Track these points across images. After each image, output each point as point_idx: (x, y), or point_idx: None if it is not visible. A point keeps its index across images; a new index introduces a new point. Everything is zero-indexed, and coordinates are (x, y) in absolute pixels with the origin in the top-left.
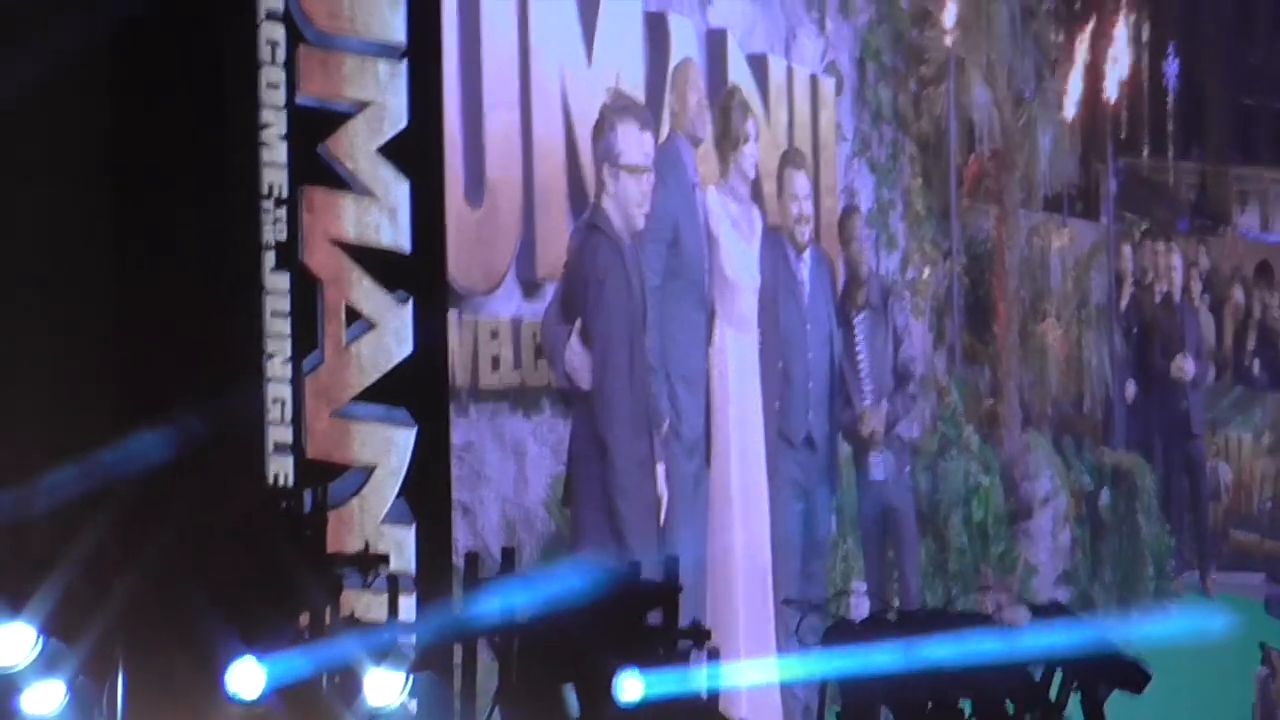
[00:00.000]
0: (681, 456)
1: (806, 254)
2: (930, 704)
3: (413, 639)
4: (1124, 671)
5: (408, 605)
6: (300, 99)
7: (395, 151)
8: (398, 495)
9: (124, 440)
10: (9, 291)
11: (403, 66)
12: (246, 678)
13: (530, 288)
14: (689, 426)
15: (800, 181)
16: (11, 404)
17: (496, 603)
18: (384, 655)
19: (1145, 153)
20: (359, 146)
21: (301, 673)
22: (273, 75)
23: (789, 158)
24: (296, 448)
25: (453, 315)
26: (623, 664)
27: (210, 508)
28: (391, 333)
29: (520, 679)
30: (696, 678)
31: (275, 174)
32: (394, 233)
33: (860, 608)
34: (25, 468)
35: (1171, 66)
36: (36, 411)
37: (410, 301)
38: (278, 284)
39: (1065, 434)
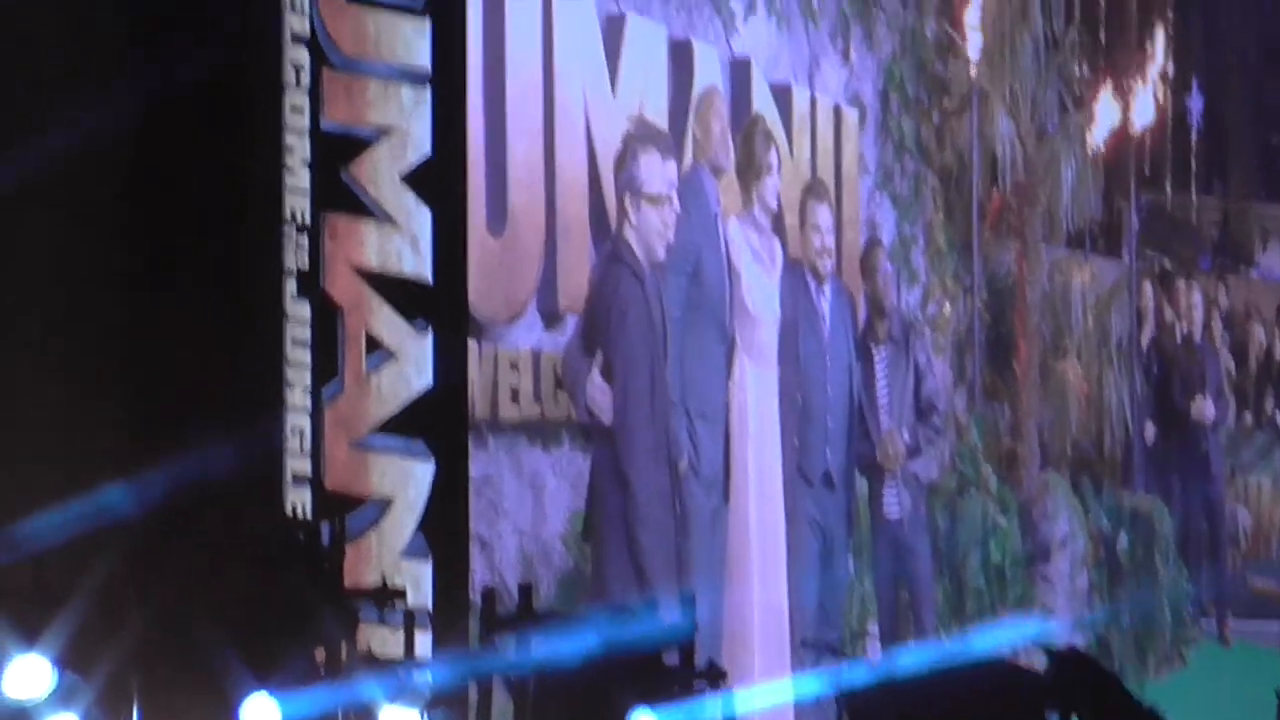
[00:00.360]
0: (700, 492)
1: (827, 286)
2: None
3: (428, 676)
4: (1139, 718)
5: (424, 641)
6: (324, 124)
7: (418, 179)
8: (415, 529)
9: (142, 470)
10: (27, 318)
11: (427, 93)
12: (260, 713)
13: (551, 318)
14: (707, 462)
15: (823, 213)
16: (29, 433)
17: (513, 640)
18: (399, 693)
19: (1168, 189)
20: (382, 173)
21: (316, 709)
22: (297, 100)
23: (811, 189)
24: (315, 479)
25: (472, 346)
26: (639, 704)
27: (227, 539)
28: (411, 363)
29: (536, 719)
30: (711, 711)
31: (298, 200)
32: (415, 261)
33: (876, 650)
34: (42, 498)
35: (1195, 102)
36: (54, 440)
37: (430, 332)
38: (299, 312)
39: (1084, 475)
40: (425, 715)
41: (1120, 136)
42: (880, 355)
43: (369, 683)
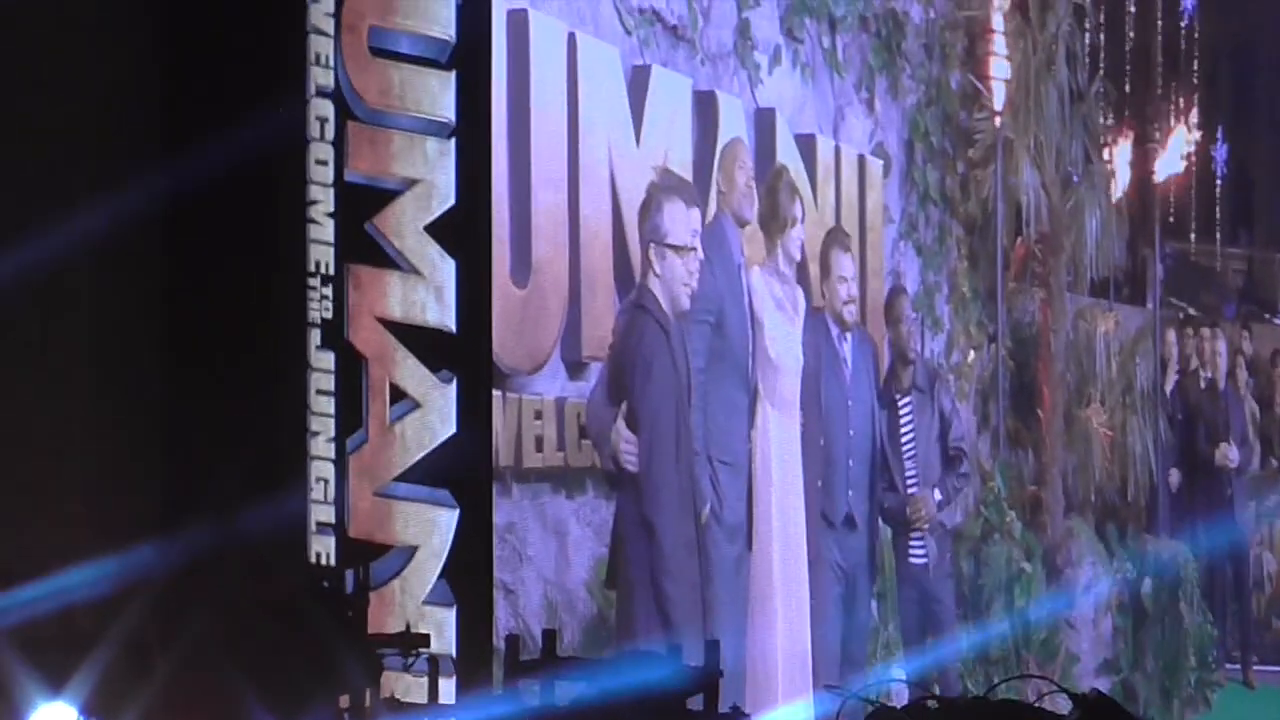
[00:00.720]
0: (723, 540)
1: (850, 333)
2: None
3: None
4: None
5: (448, 688)
6: (349, 176)
7: (442, 230)
8: (439, 576)
9: (171, 521)
10: (57, 366)
11: (451, 145)
12: None
13: (575, 368)
14: (730, 510)
15: (845, 262)
16: (56, 482)
17: (537, 687)
18: None
19: (1193, 238)
20: (406, 224)
21: None
22: (321, 152)
23: (834, 238)
24: (339, 527)
25: (497, 395)
26: None
27: (252, 587)
28: (436, 412)
29: None
30: None
31: (322, 251)
32: (440, 311)
33: (900, 695)
34: (70, 549)
35: (1220, 151)
36: (82, 490)
37: (455, 381)
38: (323, 362)
39: (1108, 521)
40: None
41: (1145, 185)
42: (906, 405)
43: None
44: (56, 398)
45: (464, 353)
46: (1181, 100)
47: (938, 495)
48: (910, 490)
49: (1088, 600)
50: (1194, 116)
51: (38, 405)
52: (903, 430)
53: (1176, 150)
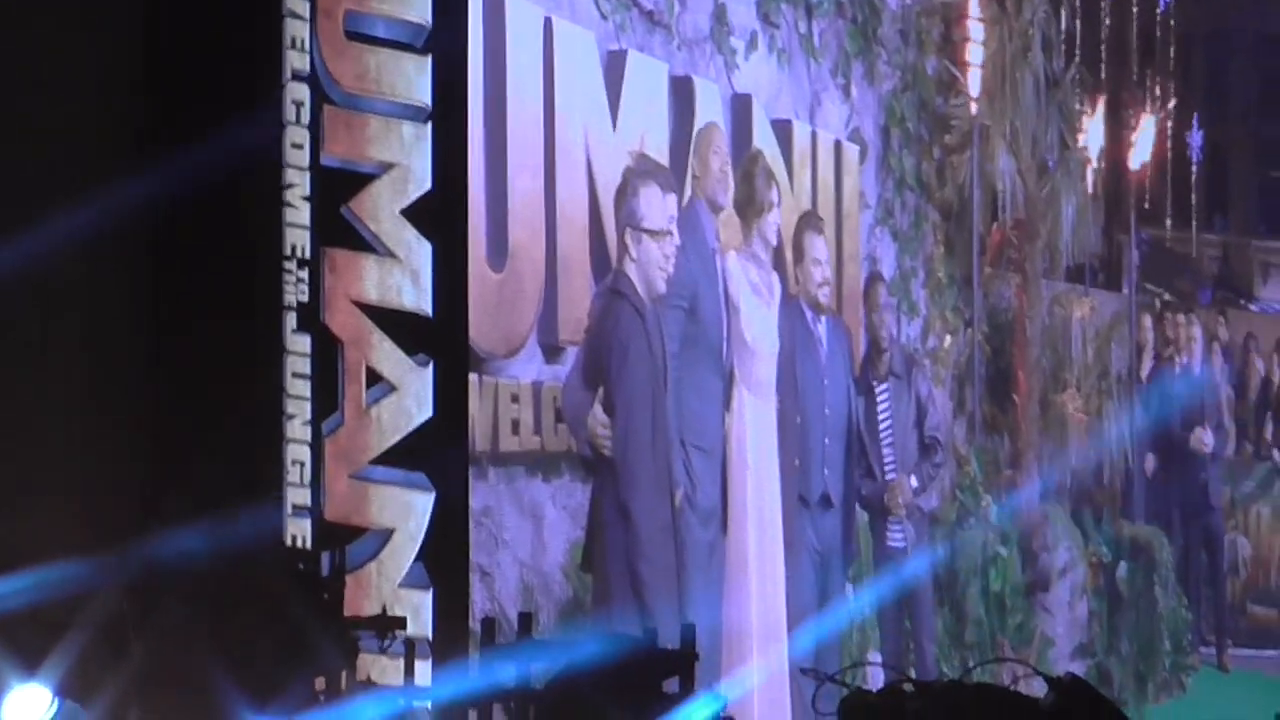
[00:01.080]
0: (696, 525)
1: (825, 317)
2: None
3: (428, 704)
4: None
5: (424, 670)
6: (324, 159)
7: (418, 214)
8: (415, 559)
9: (146, 506)
10: (42, 353)
11: (428, 129)
12: None
13: (551, 352)
14: (704, 495)
15: (819, 246)
16: (39, 469)
17: (512, 668)
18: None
19: (1168, 224)
20: (382, 208)
21: None
22: (297, 135)
23: (807, 221)
24: (315, 510)
25: (473, 379)
26: None
27: (227, 569)
28: (412, 395)
29: None
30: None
31: (298, 235)
32: (416, 295)
33: (876, 678)
34: (50, 536)
35: (1196, 138)
36: (64, 474)
37: (431, 365)
38: (299, 345)
39: (1084, 505)
40: None
41: (1120, 172)
42: (883, 391)
43: (369, 710)
44: (38, 382)
45: (440, 336)
46: (1157, 87)
47: (914, 481)
48: (888, 476)
49: (1064, 585)
50: (1170, 103)
51: (19, 389)
52: (880, 417)
53: (1152, 137)
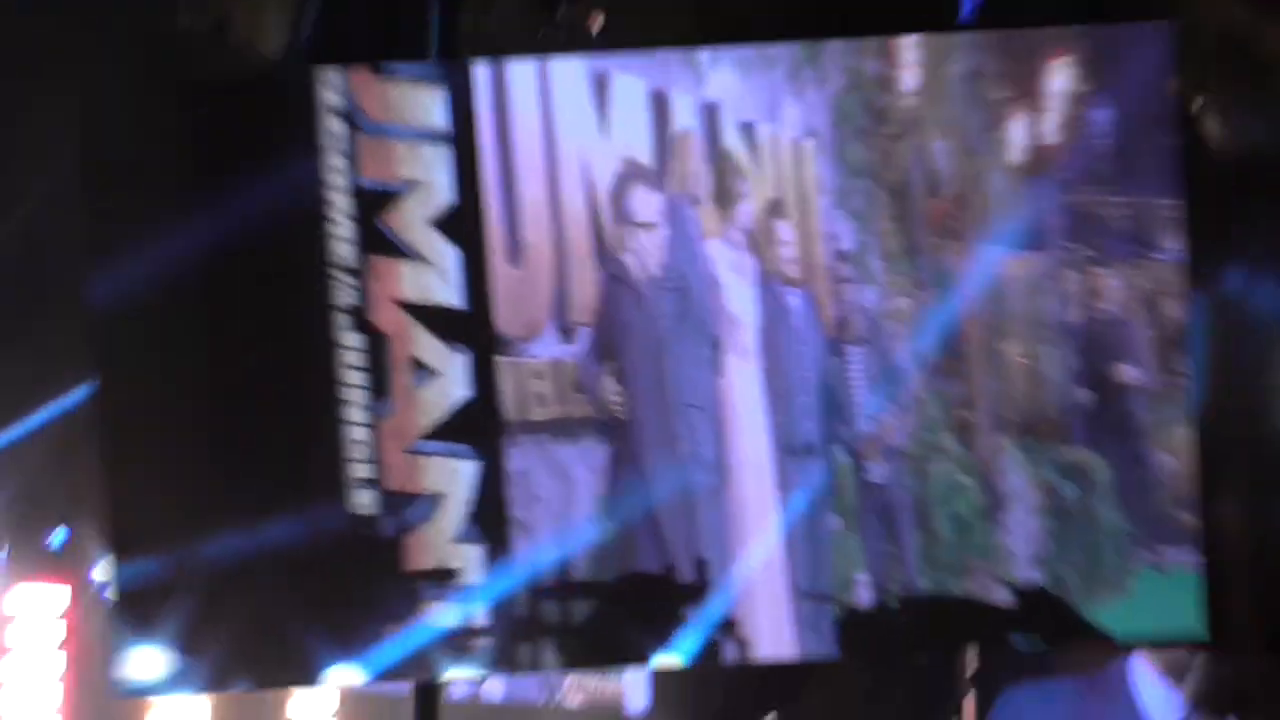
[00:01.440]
0: (700, 473)
1: (797, 289)
2: None
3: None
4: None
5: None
6: (361, 181)
7: (444, 223)
8: (465, 518)
9: (230, 490)
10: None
11: (445, 150)
12: (345, 677)
13: (566, 332)
14: (704, 448)
15: (784, 229)
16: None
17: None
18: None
19: (1085, 191)
20: (414, 220)
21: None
22: (336, 162)
23: (774, 209)
24: (376, 482)
25: (502, 360)
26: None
27: (301, 538)
28: (451, 378)
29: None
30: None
31: (344, 247)
32: (448, 292)
33: (865, 596)
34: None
35: (1101, 115)
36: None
37: (466, 351)
38: (352, 342)
39: (1030, 436)
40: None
41: (1039, 148)
42: (853, 353)
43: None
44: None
45: (472, 326)
46: (1065, 68)
47: (887, 425)
48: (863, 426)
49: (1020, 506)
50: (1078, 84)
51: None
52: (853, 376)
53: (1062, 114)
